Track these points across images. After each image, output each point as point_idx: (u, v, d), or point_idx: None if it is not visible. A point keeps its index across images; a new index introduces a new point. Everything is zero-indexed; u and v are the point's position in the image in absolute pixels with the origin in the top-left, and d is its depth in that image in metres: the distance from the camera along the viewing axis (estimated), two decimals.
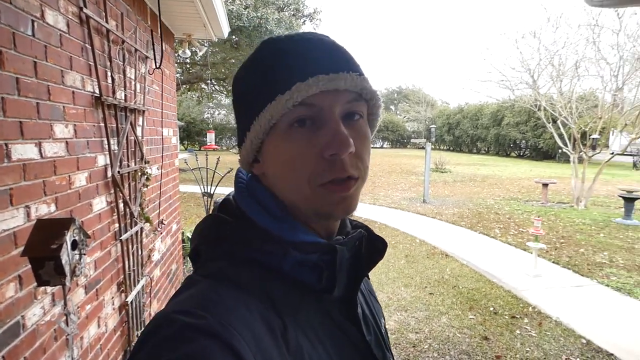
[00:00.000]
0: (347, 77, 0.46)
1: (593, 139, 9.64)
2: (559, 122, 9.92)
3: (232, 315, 0.39)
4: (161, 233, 3.09)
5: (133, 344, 2.25)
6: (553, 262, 5.39)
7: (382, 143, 44.83)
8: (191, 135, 31.99)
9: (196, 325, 0.37)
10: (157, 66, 2.50)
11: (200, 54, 4.02)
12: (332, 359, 0.46)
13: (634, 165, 19.98)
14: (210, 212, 0.55)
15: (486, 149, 32.99)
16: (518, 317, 3.76)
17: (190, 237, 5.03)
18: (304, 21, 13.18)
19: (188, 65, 14.47)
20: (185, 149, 29.55)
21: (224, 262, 0.47)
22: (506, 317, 3.77)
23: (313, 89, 0.44)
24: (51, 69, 1.49)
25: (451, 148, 37.09)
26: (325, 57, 0.47)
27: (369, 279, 0.66)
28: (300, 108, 0.45)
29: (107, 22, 1.94)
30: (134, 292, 2.28)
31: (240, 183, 0.55)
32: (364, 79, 0.48)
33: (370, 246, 0.55)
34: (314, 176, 0.46)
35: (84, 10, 1.71)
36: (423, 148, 10.60)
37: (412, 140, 41.54)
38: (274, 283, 0.46)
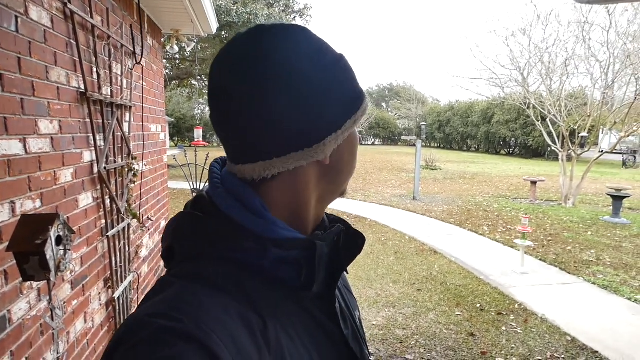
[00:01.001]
0: None
1: (582, 137, 9.77)
2: (548, 120, 10.04)
3: (209, 317, 0.38)
4: (149, 229, 3.08)
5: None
6: (540, 259, 5.47)
7: (373, 140, 44.96)
8: (181, 131, 31.79)
9: (172, 328, 0.35)
10: (138, 61, 2.49)
11: (188, 49, 4.00)
12: (311, 355, 0.46)
13: (624, 163, 20.27)
14: (183, 210, 0.53)
15: (476, 147, 33.28)
16: (504, 313, 3.83)
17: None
18: (294, 17, 13.16)
19: (177, 61, 14.37)
20: (176, 145, 29.33)
21: (200, 262, 0.46)
22: (492, 313, 3.83)
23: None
24: (35, 64, 1.49)
25: (442, 145, 37.33)
26: None
27: (347, 273, 0.66)
28: None
29: (92, 17, 1.93)
30: (121, 288, 2.28)
31: (215, 178, 0.52)
32: None
33: (349, 241, 0.55)
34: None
35: (69, 5, 1.70)
36: (414, 145, 10.66)
37: (403, 138, 41.73)
38: (252, 281, 0.45)
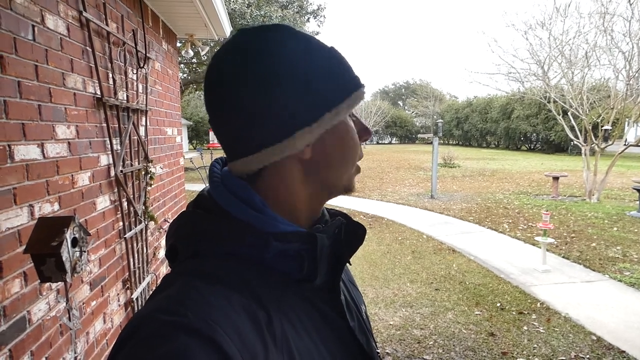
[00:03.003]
0: None
1: (605, 130, 9.46)
2: (569, 113, 9.76)
3: (214, 311, 0.38)
4: (166, 231, 3.13)
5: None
6: (563, 256, 5.32)
7: (390, 139, 44.64)
8: (200, 134, 32.28)
9: (177, 322, 0.36)
10: (141, 65, 2.53)
11: (203, 53, 4.05)
12: (318, 348, 0.46)
13: None
14: (185, 209, 0.55)
15: (496, 143, 32.63)
16: (525, 313, 3.73)
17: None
18: (308, 18, 13.18)
19: (195, 65, 14.58)
20: (194, 148, 29.81)
21: (202, 258, 0.47)
22: (513, 313, 3.74)
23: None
24: (52, 71, 1.53)
25: (460, 142, 36.76)
26: None
27: (350, 264, 0.67)
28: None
29: (107, 24, 1.98)
30: (139, 289, 2.33)
31: (215, 177, 0.54)
32: None
33: (350, 233, 0.55)
34: (357, 157, 0.55)
35: (84, 14, 1.74)
36: (431, 143, 10.53)
37: (420, 135, 41.28)
38: (255, 276, 0.46)
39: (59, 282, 1.34)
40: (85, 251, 1.27)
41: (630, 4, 8.31)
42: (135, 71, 2.41)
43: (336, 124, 0.51)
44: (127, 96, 2.27)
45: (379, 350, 0.59)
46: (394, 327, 3.49)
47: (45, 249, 1.13)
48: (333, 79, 0.50)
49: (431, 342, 3.24)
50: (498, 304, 3.91)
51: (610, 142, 9.57)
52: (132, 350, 0.35)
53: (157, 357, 0.34)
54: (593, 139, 9.24)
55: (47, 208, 1.48)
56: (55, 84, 1.55)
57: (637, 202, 7.68)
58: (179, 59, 4.27)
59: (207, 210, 0.51)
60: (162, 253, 2.99)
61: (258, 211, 0.49)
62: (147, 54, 2.54)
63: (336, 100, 0.50)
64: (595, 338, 3.27)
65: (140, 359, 0.34)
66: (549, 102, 10.29)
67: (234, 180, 0.51)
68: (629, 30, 8.51)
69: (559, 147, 25.39)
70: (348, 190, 0.56)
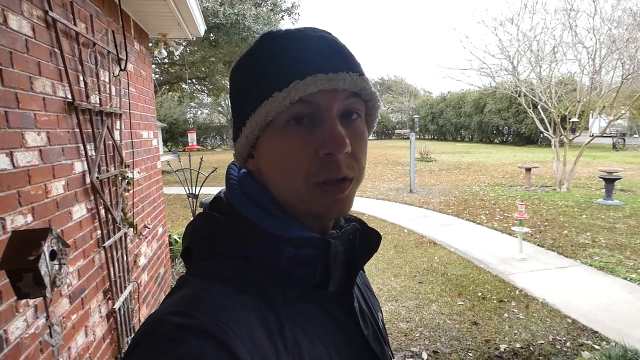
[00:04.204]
0: (347, 77, 0.46)
1: (572, 122, 9.83)
2: (539, 107, 10.09)
3: (226, 314, 0.38)
4: (146, 237, 3.05)
5: (124, 351, 2.22)
6: (538, 245, 5.50)
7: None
8: (174, 136, 31.62)
9: (188, 325, 0.36)
10: (122, 68, 2.45)
11: (177, 53, 3.95)
12: (331, 355, 0.45)
13: (614, 146, 20.49)
14: (202, 211, 0.54)
15: (470, 137, 33.39)
16: (506, 300, 3.84)
17: (177, 239, 4.99)
18: (282, 16, 13.08)
19: (167, 66, 14.25)
20: (169, 151, 29.17)
21: (216, 261, 0.46)
22: (494, 301, 3.84)
23: (311, 87, 0.44)
24: (18, 75, 1.45)
25: (435, 137, 37.42)
26: (325, 56, 0.46)
27: (364, 272, 0.66)
28: (298, 105, 0.45)
29: (75, 24, 1.89)
30: (121, 299, 2.25)
31: (231, 180, 0.54)
32: (364, 80, 0.48)
33: (364, 239, 0.54)
34: (309, 175, 0.46)
35: (50, 13, 1.66)
36: (408, 138, 10.67)
37: (397, 131, 41.76)
38: (269, 280, 0.45)
39: (35, 298, 1.28)
40: (64, 264, 1.21)
41: (594, 1, 8.64)
42: (107, 73, 2.32)
43: (269, 131, 0.47)
44: (100, 99, 2.18)
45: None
46: None
47: (22, 263, 1.07)
48: (263, 79, 0.47)
49: (417, 334, 3.29)
50: (479, 294, 4.00)
51: (577, 134, 9.96)
52: (144, 354, 0.35)
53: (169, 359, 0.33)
54: (562, 131, 9.59)
55: (20, 220, 1.41)
56: (22, 89, 1.47)
57: (604, 190, 8.03)
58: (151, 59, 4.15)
59: (223, 212, 0.51)
60: (142, 260, 2.90)
61: (272, 215, 0.49)
62: (119, 55, 2.45)
63: (257, 100, 0.47)
64: (570, 321, 3.41)
65: None
66: (519, 96, 10.61)
67: (250, 183, 0.52)
68: (593, 27, 8.86)
69: (530, 139, 26.22)
70: (312, 213, 0.49)
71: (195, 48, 12.90)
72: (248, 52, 0.50)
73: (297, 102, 0.45)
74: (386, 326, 3.55)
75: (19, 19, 1.47)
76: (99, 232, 2.08)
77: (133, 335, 0.41)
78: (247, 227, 0.48)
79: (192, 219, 0.53)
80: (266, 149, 0.48)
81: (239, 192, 0.52)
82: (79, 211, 1.88)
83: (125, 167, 2.45)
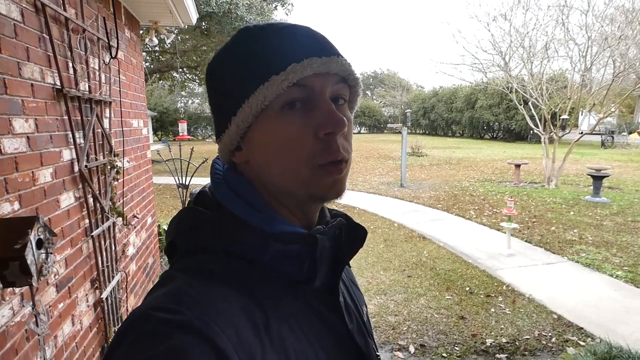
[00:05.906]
0: (338, 61, 0.47)
1: (562, 119, 9.94)
2: (530, 103, 10.16)
3: (211, 309, 0.38)
4: (135, 227, 3.02)
5: (110, 340, 2.22)
6: (526, 241, 5.58)
7: (359, 129, 44.96)
8: (165, 125, 31.23)
9: (173, 320, 0.36)
10: (114, 56, 2.41)
11: (168, 41, 3.89)
12: (315, 350, 0.45)
13: (602, 144, 20.71)
14: (186, 205, 0.54)
15: (461, 132, 33.58)
16: (493, 295, 3.90)
17: (166, 229, 4.95)
18: (276, 6, 12.94)
19: (158, 54, 14.04)
20: (159, 140, 28.87)
21: (201, 256, 0.46)
22: (481, 296, 3.90)
23: (307, 70, 0.45)
24: (7, 60, 1.42)
25: (427, 132, 37.54)
26: (316, 42, 0.48)
27: (349, 267, 0.66)
28: (294, 89, 0.45)
29: (65, 10, 1.85)
30: (108, 288, 2.24)
31: (216, 174, 0.53)
32: (351, 65, 0.50)
33: (351, 234, 0.54)
34: (312, 157, 0.46)
35: None
36: (400, 133, 10.69)
37: (389, 125, 41.82)
38: (254, 275, 0.45)
39: (21, 287, 1.26)
40: (51, 253, 1.19)
41: None
42: (97, 60, 2.28)
43: (263, 118, 0.47)
44: (90, 87, 2.15)
45: (379, 353, 0.58)
46: (369, 315, 3.55)
47: (8, 252, 1.05)
48: (251, 73, 0.47)
49: (405, 328, 3.33)
50: (467, 288, 4.06)
51: (567, 131, 10.07)
52: (128, 349, 0.35)
53: (154, 355, 0.33)
54: (551, 127, 9.68)
55: (7, 208, 1.38)
56: (10, 74, 1.44)
57: (591, 188, 8.15)
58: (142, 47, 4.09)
59: (208, 207, 0.50)
60: (131, 250, 2.88)
61: (258, 210, 0.49)
62: (110, 42, 2.40)
63: (246, 92, 0.46)
64: (556, 317, 3.47)
65: (136, 357, 0.34)
66: (510, 92, 10.67)
67: (235, 177, 0.51)
68: (585, 23, 8.92)
69: (520, 135, 26.44)
70: (313, 197, 0.50)
71: (187, 36, 12.72)
72: (232, 43, 0.50)
73: (293, 86, 0.45)
74: (374, 319, 3.58)
75: (7, 3, 1.44)
76: (87, 221, 2.06)
77: (116, 330, 0.41)
78: (233, 222, 0.47)
79: (177, 212, 0.52)
80: (259, 137, 0.47)
81: (224, 186, 0.51)
82: (67, 200, 1.86)
83: (115, 156, 2.42)
